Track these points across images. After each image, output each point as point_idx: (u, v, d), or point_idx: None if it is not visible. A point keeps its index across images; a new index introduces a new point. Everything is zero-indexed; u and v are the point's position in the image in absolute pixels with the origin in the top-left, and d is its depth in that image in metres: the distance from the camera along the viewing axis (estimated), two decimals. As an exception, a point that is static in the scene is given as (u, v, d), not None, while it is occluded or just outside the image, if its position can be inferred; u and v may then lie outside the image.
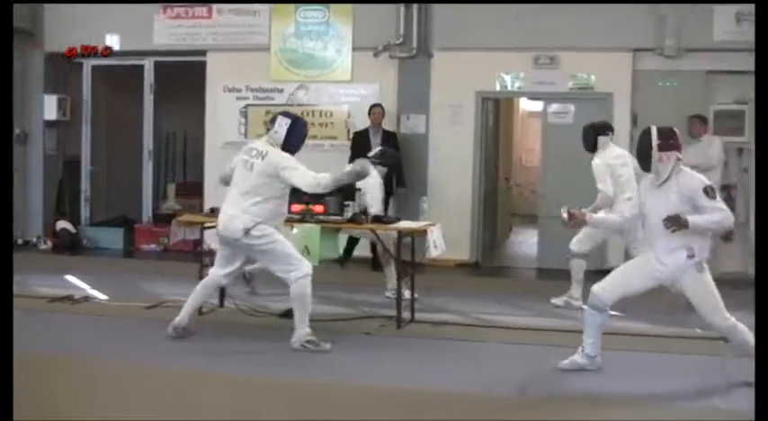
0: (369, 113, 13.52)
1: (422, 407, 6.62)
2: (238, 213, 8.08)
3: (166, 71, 15.62)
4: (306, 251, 8.77)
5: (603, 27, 13.19)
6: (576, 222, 7.76)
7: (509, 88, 13.98)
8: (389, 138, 13.18)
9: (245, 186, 8.14)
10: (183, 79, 15.46)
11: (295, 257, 8.16)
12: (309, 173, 8.04)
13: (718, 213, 7.05)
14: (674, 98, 13.06)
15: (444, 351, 8.38)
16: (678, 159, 7.22)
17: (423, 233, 9.35)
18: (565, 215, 7.71)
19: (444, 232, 9.54)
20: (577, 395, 6.95)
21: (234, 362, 7.83)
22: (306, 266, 8.11)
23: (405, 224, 9.74)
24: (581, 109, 13.52)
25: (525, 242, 16.64)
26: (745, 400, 6.23)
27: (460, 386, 7.14)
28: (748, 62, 12.30)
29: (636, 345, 8.59)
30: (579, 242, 10.42)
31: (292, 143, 8.23)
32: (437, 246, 9.19)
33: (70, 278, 11.17)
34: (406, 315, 9.35)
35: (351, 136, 13.87)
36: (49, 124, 15.46)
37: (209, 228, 9.56)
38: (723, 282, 12.16)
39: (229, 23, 14.65)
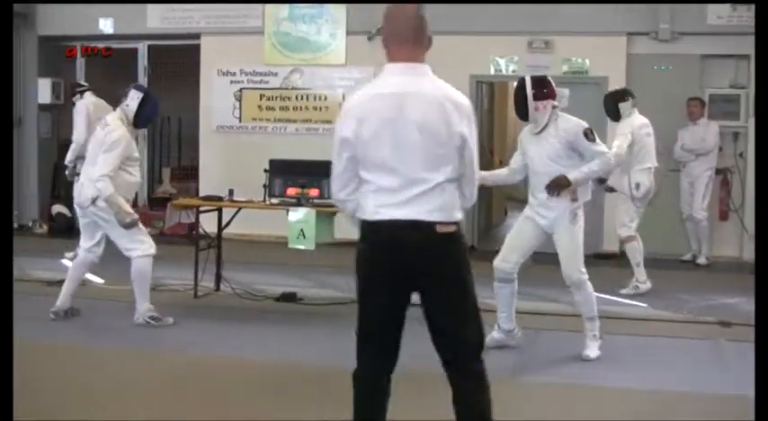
0: None
1: (420, 387, 6.65)
2: (86, 181, 8.25)
3: (160, 55, 15.59)
4: (302, 235, 8.78)
5: (598, 11, 13.20)
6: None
7: (503, 72, 13.97)
8: None
9: (91, 155, 8.36)
10: (177, 63, 15.44)
11: (140, 235, 8.33)
12: (104, 169, 8.04)
13: (597, 159, 7.26)
14: (668, 82, 13.08)
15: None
16: (554, 107, 7.42)
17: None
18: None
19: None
20: (573, 379, 6.99)
21: (229, 345, 7.87)
22: (150, 247, 8.31)
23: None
24: (576, 93, 13.40)
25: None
26: (745, 387, 6.26)
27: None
28: (742, 46, 12.44)
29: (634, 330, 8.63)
30: (623, 226, 10.37)
31: (143, 116, 8.40)
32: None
33: (66, 262, 11.15)
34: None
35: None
36: (43, 108, 15.44)
37: (204, 211, 9.59)
38: (717, 266, 12.32)
39: (223, 7, 14.61)
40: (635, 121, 10.27)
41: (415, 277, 4.47)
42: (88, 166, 8.37)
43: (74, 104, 12.41)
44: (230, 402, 6.27)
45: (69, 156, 12.05)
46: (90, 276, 9.53)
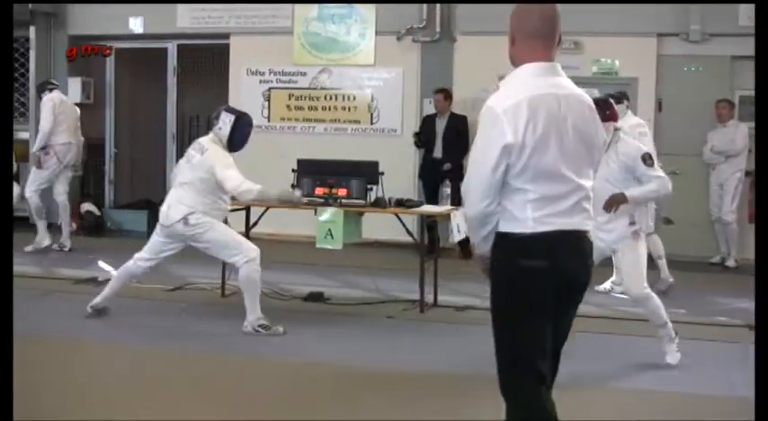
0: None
1: (444, 388, 6.65)
2: (175, 203, 8.19)
3: (190, 54, 15.65)
4: (329, 234, 8.79)
5: (627, 11, 13.13)
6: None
7: (532, 73, 13.89)
8: (457, 123, 13.07)
9: (184, 178, 8.27)
10: (207, 62, 15.50)
11: (238, 242, 8.23)
12: (238, 178, 8.10)
13: (655, 182, 7.21)
14: (698, 83, 13.02)
15: (467, 335, 8.38)
16: (616, 129, 7.34)
17: (446, 217, 9.36)
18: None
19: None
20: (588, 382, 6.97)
21: (253, 344, 7.89)
22: (251, 251, 8.16)
23: (427, 208, 9.75)
24: (605, 94, 13.46)
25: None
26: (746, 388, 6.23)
27: (483, 368, 7.15)
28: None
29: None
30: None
31: (236, 139, 8.32)
32: (460, 230, 9.18)
33: (95, 260, 11.21)
34: (429, 299, 9.37)
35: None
36: (72, 107, 15.52)
37: (233, 210, 9.60)
38: (746, 269, 12.22)
39: (252, 7, 14.63)
40: (628, 121, 10.29)
41: (574, 293, 4.27)
42: (176, 189, 8.31)
43: (40, 98, 12.58)
44: (260, 404, 6.29)
45: (37, 145, 12.48)
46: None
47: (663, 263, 10.37)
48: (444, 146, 12.94)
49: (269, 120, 14.64)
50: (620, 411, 6.33)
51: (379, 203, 9.26)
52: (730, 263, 12.36)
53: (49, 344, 7.52)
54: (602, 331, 8.40)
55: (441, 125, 13.05)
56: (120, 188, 16.30)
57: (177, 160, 15.69)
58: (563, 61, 13.79)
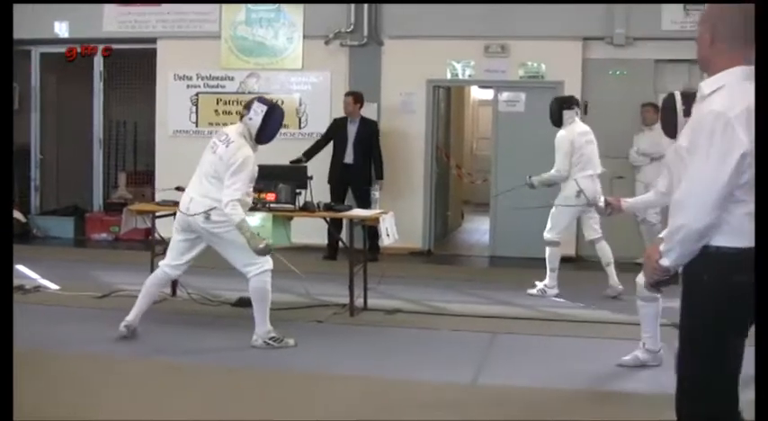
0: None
1: (371, 394, 6.66)
2: (197, 196, 7.84)
3: (117, 59, 15.51)
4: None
5: (553, 16, 13.28)
6: (613, 209, 7.48)
7: (460, 76, 14.02)
8: (367, 128, 13.08)
9: (207, 169, 7.87)
10: (134, 67, 15.37)
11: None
12: (236, 193, 7.61)
13: None
14: (623, 86, 13.20)
15: (397, 338, 8.43)
16: None
17: (375, 221, 9.38)
18: (601, 204, 7.64)
19: (396, 220, 9.56)
20: (526, 383, 7.03)
21: (185, 352, 7.84)
22: (266, 262, 7.86)
23: (356, 212, 9.77)
24: (532, 97, 13.62)
25: (477, 230, 16.73)
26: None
27: (413, 373, 7.19)
28: (695, 51, 12.55)
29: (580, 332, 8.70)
30: (551, 230, 10.44)
31: (267, 132, 7.93)
32: (390, 234, 9.20)
33: (21, 268, 11.08)
34: (358, 302, 9.39)
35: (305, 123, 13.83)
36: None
37: (160, 216, 9.54)
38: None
39: (179, 11, 14.56)
40: (575, 129, 10.39)
41: None
42: (199, 180, 7.91)
43: None
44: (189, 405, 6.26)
45: None
46: (45, 281, 9.48)
47: (611, 269, 10.44)
48: (355, 151, 12.97)
49: (197, 126, 14.57)
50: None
51: (308, 208, 9.26)
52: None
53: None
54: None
55: (352, 130, 13.03)
56: (47, 194, 16.11)
57: (104, 166, 15.75)
58: (490, 65, 14.03)
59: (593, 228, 10.48)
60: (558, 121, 10.48)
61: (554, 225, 10.41)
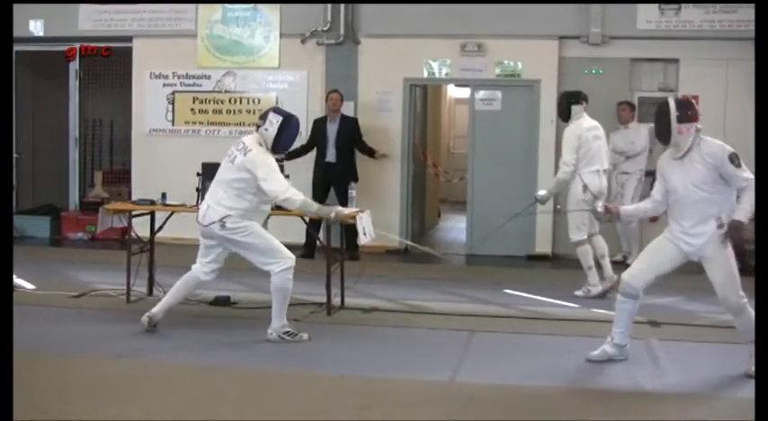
0: (326, 100, 13.44)
1: (348, 392, 6.66)
2: (213, 204, 8.03)
3: (93, 57, 15.43)
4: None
5: (530, 15, 13.33)
6: (611, 215, 7.61)
7: (436, 75, 14.03)
8: (348, 125, 13.13)
9: (224, 178, 8.07)
10: (110, 66, 15.31)
11: (275, 250, 8.06)
12: (283, 185, 7.93)
13: (750, 188, 6.77)
14: (599, 85, 13.22)
15: (374, 337, 8.44)
16: (697, 130, 7.03)
17: (352, 219, 9.36)
18: (600, 209, 7.65)
19: (373, 219, 9.55)
20: (504, 381, 7.05)
21: (160, 351, 7.83)
22: (288, 260, 8.03)
23: (334, 210, 9.76)
24: (508, 96, 13.65)
25: (454, 228, 16.76)
26: (746, 390, 6.33)
27: (391, 372, 7.20)
28: (671, 50, 12.69)
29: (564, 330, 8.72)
30: (575, 231, 10.49)
31: (283, 141, 8.10)
32: (366, 233, 9.18)
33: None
34: (336, 301, 9.39)
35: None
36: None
37: (137, 215, 9.53)
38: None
39: (155, 9, 14.52)
40: (583, 124, 10.42)
41: None
42: (215, 189, 8.11)
43: None
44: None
45: None
46: (20, 281, 9.43)
47: (607, 262, 10.56)
48: (337, 150, 12.98)
49: (173, 124, 14.54)
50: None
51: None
52: (631, 260, 12.51)
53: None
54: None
55: (332, 129, 13.06)
56: (22, 193, 16.02)
57: (80, 164, 15.67)
58: (467, 64, 14.01)
59: (591, 223, 10.51)
60: (566, 116, 10.51)
61: (575, 226, 10.42)
